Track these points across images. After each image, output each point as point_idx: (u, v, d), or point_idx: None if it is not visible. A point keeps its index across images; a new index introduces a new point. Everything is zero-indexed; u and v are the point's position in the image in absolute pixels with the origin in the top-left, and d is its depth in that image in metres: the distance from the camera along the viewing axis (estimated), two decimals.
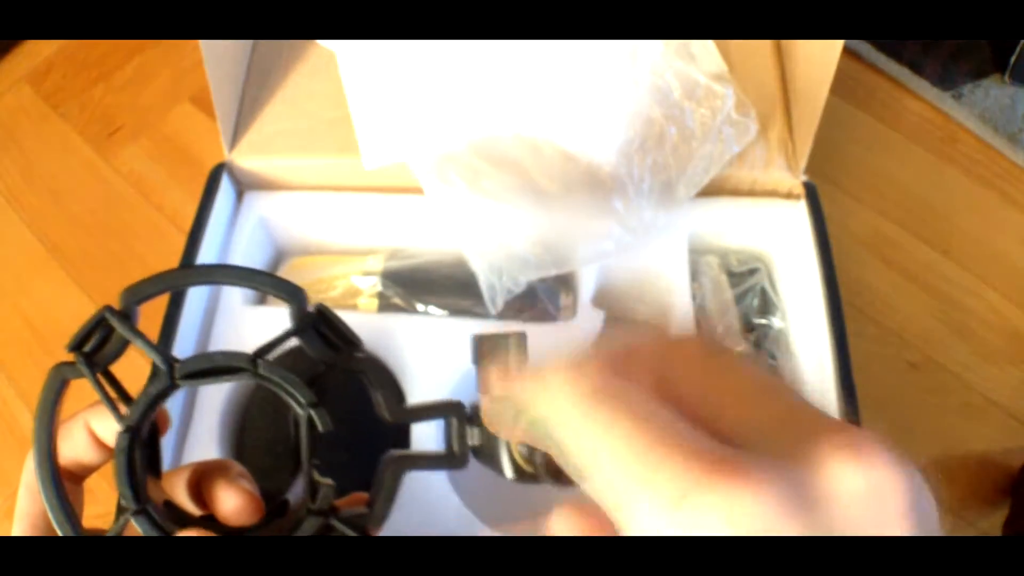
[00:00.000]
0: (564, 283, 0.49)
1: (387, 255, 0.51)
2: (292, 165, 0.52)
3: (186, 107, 0.68)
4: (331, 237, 0.53)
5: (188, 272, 0.26)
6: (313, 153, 0.51)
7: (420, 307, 0.49)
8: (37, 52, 0.72)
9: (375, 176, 0.50)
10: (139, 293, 0.25)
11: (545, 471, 0.23)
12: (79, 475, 0.27)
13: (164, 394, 0.25)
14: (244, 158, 0.51)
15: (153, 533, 0.24)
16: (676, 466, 0.16)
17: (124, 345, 0.25)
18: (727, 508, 0.15)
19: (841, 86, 0.61)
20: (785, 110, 0.51)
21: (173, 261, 0.47)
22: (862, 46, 0.65)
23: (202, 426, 0.44)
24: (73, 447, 0.26)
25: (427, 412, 0.26)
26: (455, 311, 0.48)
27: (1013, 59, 0.61)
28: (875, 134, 0.62)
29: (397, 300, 0.49)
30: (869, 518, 0.16)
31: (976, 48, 0.64)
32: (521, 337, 0.25)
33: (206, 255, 0.48)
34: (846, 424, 0.17)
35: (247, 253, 0.51)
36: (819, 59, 0.45)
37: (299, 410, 0.25)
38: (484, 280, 0.46)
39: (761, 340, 0.48)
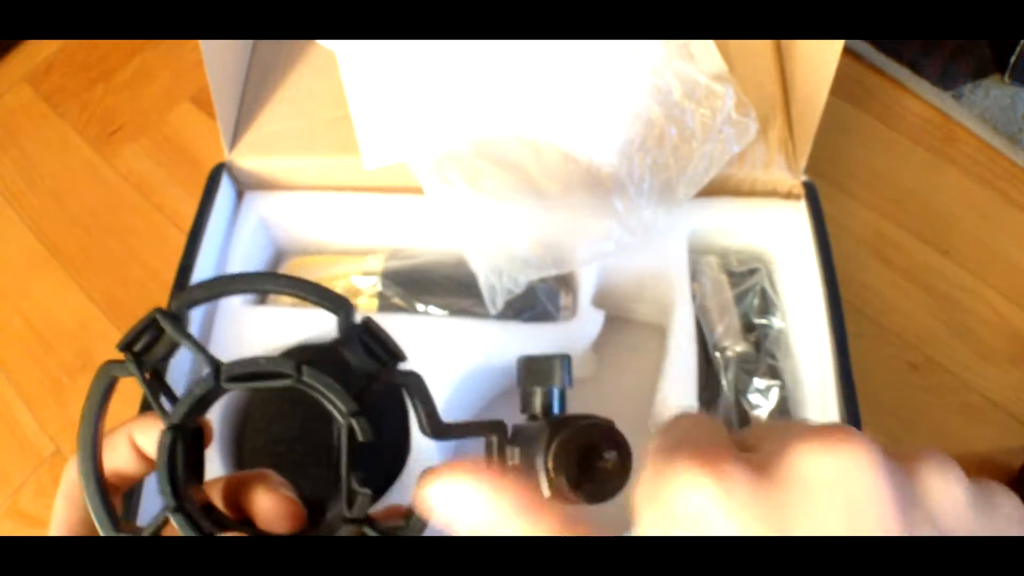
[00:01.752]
0: (564, 283, 0.49)
1: (387, 255, 0.51)
2: (292, 165, 0.52)
3: (186, 107, 0.68)
4: (331, 237, 0.53)
5: (237, 279, 0.26)
6: (313, 153, 0.51)
7: (420, 307, 0.49)
8: (37, 52, 0.72)
9: (375, 176, 0.50)
10: (189, 298, 0.25)
11: (576, 490, 0.24)
12: (119, 486, 0.27)
13: (209, 395, 0.25)
14: (244, 158, 0.51)
15: (190, 531, 0.24)
16: (668, 457, 0.18)
17: (173, 348, 0.25)
18: (691, 487, 0.17)
19: (841, 86, 0.61)
20: (785, 110, 0.51)
21: (173, 261, 0.47)
22: (862, 46, 0.65)
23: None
24: (115, 457, 0.26)
25: (468, 430, 0.26)
26: (455, 311, 0.48)
27: (1013, 59, 0.61)
28: (875, 134, 0.62)
29: (397, 300, 0.49)
30: (836, 502, 0.16)
31: (976, 48, 0.64)
32: (565, 360, 0.26)
33: (206, 255, 0.48)
34: (837, 424, 0.18)
35: (247, 253, 0.51)
36: (819, 59, 0.45)
37: (340, 419, 0.25)
38: (484, 280, 0.46)
39: (761, 340, 0.48)
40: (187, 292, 0.25)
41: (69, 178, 0.66)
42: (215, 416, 0.44)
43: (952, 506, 0.16)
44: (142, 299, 0.59)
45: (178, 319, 0.25)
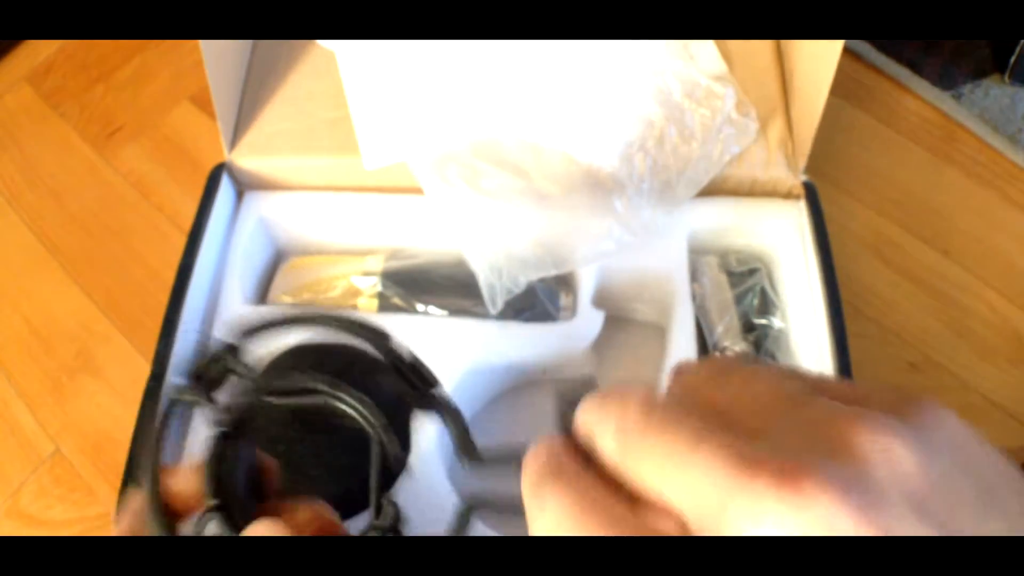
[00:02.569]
0: (564, 283, 0.49)
1: (387, 255, 0.51)
2: (292, 165, 0.52)
3: (186, 107, 0.68)
4: (331, 237, 0.53)
5: (294, 316, 0.29)
6: (313, 153, 0.51)
7: (420, 307, 0.49)
8: (37, 52, 0.72)
9: (375, 176, 0.50)
10: (247, 327, 0.28)
11: None
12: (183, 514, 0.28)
13: (252, 407, 0.27)
14: (244, 158, 0.51)
15: (225, 531, 0.25)
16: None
17: (225, 374, 0.27)
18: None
19: (841, 86, 0.61)
20: (785, 110, 0.51)
21: (173, 261, 0.47)
22: (862, 46, 0.65)
23: (202, 424, 0.44)
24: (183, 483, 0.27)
25: (502, 454, 0.26)
26: (455, 311, 0.48)
27: (1013, 59, 0.61)
28: (875, 134, 0.62)
29: (397, 300, 0.49)
30: None
31: (976, 48, 0.64)
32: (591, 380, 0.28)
33: (206, 255, 0.48)
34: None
35: (247, 253, 0.51)
36: (819, 59, 0.45)
37: (372, 432, 0.26)
38: (484, 280, 0.46)
39: (761, 340, 0.48)
40: (248, 328, 0.28)
41: (69, 178, 0.66)
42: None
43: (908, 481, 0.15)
44: (142, 299, 0.59)
45: (236, 350, 0.27)
